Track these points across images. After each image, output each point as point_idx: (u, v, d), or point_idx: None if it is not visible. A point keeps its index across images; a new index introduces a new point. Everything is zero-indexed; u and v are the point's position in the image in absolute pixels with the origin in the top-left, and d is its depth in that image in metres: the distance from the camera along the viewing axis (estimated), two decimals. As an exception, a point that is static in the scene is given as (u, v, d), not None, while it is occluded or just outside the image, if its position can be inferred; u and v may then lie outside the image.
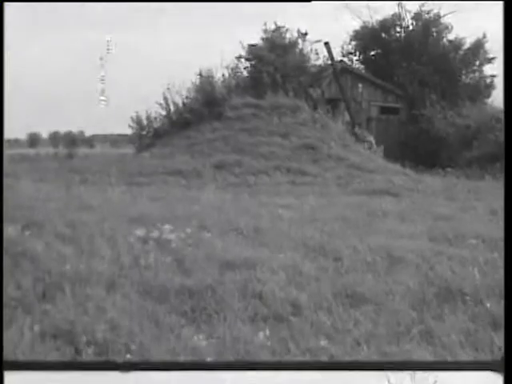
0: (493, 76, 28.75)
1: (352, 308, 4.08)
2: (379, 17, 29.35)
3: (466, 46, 28.43)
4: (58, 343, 3.45)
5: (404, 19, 29.10)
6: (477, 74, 29.20)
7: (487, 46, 28.64)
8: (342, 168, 14.97)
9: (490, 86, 29.10)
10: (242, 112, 18.77)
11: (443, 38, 28.20)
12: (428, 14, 28.65)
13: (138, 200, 9.43)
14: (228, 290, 4.29)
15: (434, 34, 27.80)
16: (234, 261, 5.16)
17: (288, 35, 24.04)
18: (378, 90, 26.75)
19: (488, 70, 29.39)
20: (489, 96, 28.94)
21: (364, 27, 29.49)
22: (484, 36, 28.46)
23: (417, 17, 28.71)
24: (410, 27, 28.68)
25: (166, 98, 20.59)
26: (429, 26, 27.82)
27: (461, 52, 27.87)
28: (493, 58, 28.19)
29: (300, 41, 23.89)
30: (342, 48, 29.97)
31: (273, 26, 24.19)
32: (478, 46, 28.57)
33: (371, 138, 21.01)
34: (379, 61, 28.55)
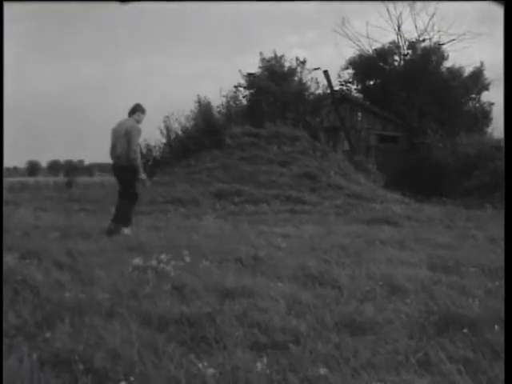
0: (492, 104, 28.96)
1: (351, 336, 4.07)
2: (378, 45, 29.65)
3: (466, 74, 28.69)
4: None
5: (402, 48, 29.38)
6: (476, 102, 29.41)
7: (486, 73, 28.90)
8: (342, 197, 15.02)
9: (489, 114, 29.29)
10: (241, 140, 18.88)
11: (442, 66, 28.44)
12: (424, 41, 28.90)
13: (137, 229, 9.43)
14: (227, 318, 4.28)
15: (433, 62, 28.04)
16: (233, 289, 5.16)
17: (287, 63, 24.27)
18: (377, 119, 26.93)
19: (486, 97, 29.63)
20: (488, 125, 29.13)
21: (362, 56, 29.76)
22: (482, 65, 28.72)
23: (415, 45, 28.99)
24: (409, 56, 28.94)
25: (166, 127, 20.73)
26: (427, 55, 28.08)
27: (460, 80, 28.08)
28: (489, 84, 28.40)
29: (299, 69, 24.10)
30: (340, 76, 30.20)
31: (271, 55, 24.43)
32: (477, 74, 28.80)
33: (372, 167, 21.07)
34: (378, 89, 28.75)
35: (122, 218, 9.43)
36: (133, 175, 9.48)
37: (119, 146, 9.46)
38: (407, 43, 29.71)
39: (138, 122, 9.81)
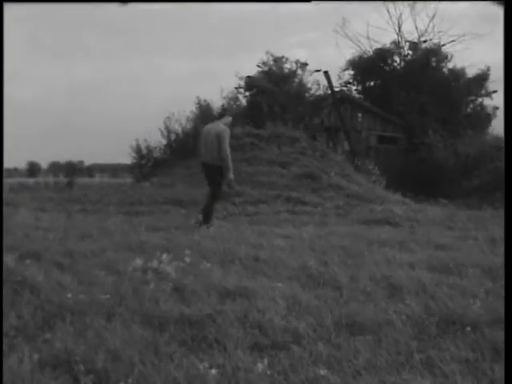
0: (496, 108, 28.92)
1: (352, 337, 4.06)
2: (378, 46, 29.66)
3: (467, 75, 28.65)
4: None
5: (403, 48, 29.39)
6: (477, 103, 29.39)
7: (488, 75, 28.87)
8: (342, 197, 15.01)
9: (490, 115, 29.27)
10: (241, 141, 18.86)
11: (443, 67, 28.42)
12: (425, 42, 28.92)
13: (137, 229, 9.44)
14: (228, 319, 4.28)
15: (434, 63, 28.04)
16: (234, 290, 5.16)
17: (287, 65, 24.25)
18: (378, 119, 26.92)
19: (488, 99, 29.60)
20: (488, 125, 29.12)
21: (363, 56, 29.76)
22: (488, 69, 28.66)
23: (415, 46, 28.99)
24: (409, 56, 28.94)
25: (166, 127, 20.72)
26: (428, 56, 28.08)
27: (461, 81, 28.06)
28: (494, 92, 28.35)
29: (300, 70, 24.09)
30: (341, 77, 30.22)
31: (271, 56, 24.40)
32: (482, 77, 28.76)
33: (372, 167, 21.07)
34: (378, 90, 28.74)
35: (203, 215, 10.46)
36: (221, 174, 10.47)
37: (210, 146, 10.47)
38: (407, 44, 29.75)
39: (226, 124, 10.78)
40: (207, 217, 10.42)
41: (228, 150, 10.36)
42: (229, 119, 11.01)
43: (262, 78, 23.77)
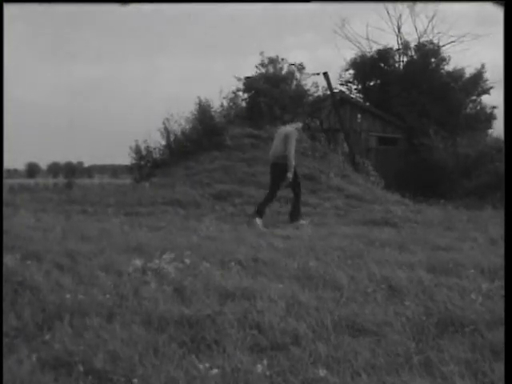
0: (494, 107, 28.93)
1: (351, 338, 4.07)
2: (378, 46, 29.67)
3: (466, 75, 28.66)
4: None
5: (402, 49, 29.40)
6: (477, 104, 29.40)
7: (486, 76, 28.89)
8: (341, 198, 15.00)
9: (490, 116, 29.28)
10: (241, 142, 18.87)
11: (443, 68, 28.43)
12: (424, 43, 28.94)
13: (136, 230, 9.44)
14: (227, 320, 4.29)
15: (434, 64, 28.04)
16: (233, 291, 5.16)
17: (285, 67, 24.22)
18: (377, 120, 26.91)
19: (488, 99, 29.63)
20: (489, 126, 29.13)
21: (362, 57, 29.76)
22: (483, 67, 28.71)
23: (415, 47, 29.00)
24: (409, 57, 28.96)
25: (166, 128, 20.68)
26: (427, 56, 28.08)
27: (460, 82, 28.07)
28: (491, 88, 28.39)
29: (298, 74, 24.05)
30: (342, 77, 30.23)
31: (270, 57, 24.37)
32: (478, 76, 28.78)
33: (371, 168, 21.07)
34: (378, 91, 28.74)
35: (259, 207, 11.48)
36: (283, 173, 11.40)
37: (278, 147, 11.64)
38: (407, 44, 29.76)
39: (296, 128, 12.02)
40: (260, 212, 11.36)
41: (293, 151, 11.44)
42: (299, 124, 12.36)
43: (260, 79, 23.74)
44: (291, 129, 11.82)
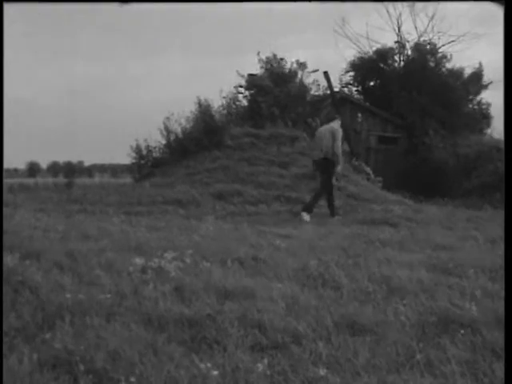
0: (488, 104, 28.96)
1: (351, 337, 4.07)
2: (378, 46, 29.64)
3: (466, 75, 28.65)
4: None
5: (402, 48, 29.36)
6: (476, 102, 29.37)
7: (485, 74, 28.87)
8: (341, 198, 15.00)
9: (490, 116, 29.25)
10: (241, 141, 18.86)
11: (443, 67, 28.39)
12: (425, 42, 28.91)
13: (136, 229, 9.44)
14: (227, 319, 4.29)
15: (433, 63, 28.00)
16: (234, 290, 5.16)
17: (287, 65, 24.20)
18: (378, 120, 26.85)
19: (486, 98, 29.61)
20: (488, 125, 29.11)
21: (363, 57, 29.73)
22: (481, 65, 28.69)
23: (416, 47, 28.96)
24: (409, 57, 28.92)
25: (165, 127, 20.64)
26: (428, 56, 28.04)
27: (460, 81, 28.04)
28: (490, 83, 28.39)
29: (299, 71, 24.02)
30: (341, 78, 30.20)
31: (271, 56, 24.34)
32: (476, 75, 28.77)
33: (371, 168, 21.05)
34: (378, 90, 28.70)
35: (309, 203, 12.47)
36: (331, 167, 12.38)
37: (324, 144, 12.52)
38: (407, 44, 29.75)
39: (338, 125, 12.84)
40: (310, 207, 12.33)
41: (340, 146, 12.47)
42: (339, 122, 13.07)
43: (263, 77, 23.71)
44: (336, 126, 12.72)
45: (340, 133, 12.65)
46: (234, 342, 3.91)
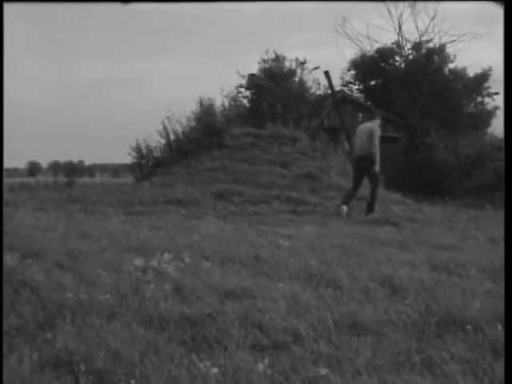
0: (496, 108, 28.88)
1: (352, 337, 4.07)
2: (379, 45, 29.62)
3: (468, 75, 28.59)
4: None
5: (404, 48, 29.35)
6: (478, 102, 29.31)
7: (489, 75, 28.83)
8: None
9: (491, 115, 29.21)
10: (241, 141, 18.87)
11: (445, 67, 28.36)
12: (426, 42, 28.88)
13: (137, 229, 9.43)
14: (228, 319, 4.28)
15: (435, 62, 27.97)
16: (234, 290, 5.16)
17: (287, 64, 24.19)
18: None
19: (488, 99, 29.54)
20: (489, 125, 29.08)
21: (364, 56, 29.71)
22: (490, 69, 28.60)
23: (417, 46, 28.94)
24: (410, 56, 28.90)
25: (165, 127, 20.65)
26: (429, 55, 28.02)
27: (462, 81, 28.00)
28: (496, 93, 28.33)
29: (299, 70, 24.01)
30: (342, 78, 30.18)
31: (271, 56, 24.33)
32: (480, 74, 28.71)
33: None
34: (379, 90, 28.67)
35: (369, 203, 12.95)
36: (371, 164, 12.77)
37: (362, 142, 12.93)
38: (408, 43, 29.74)
39: (377, 124, 13.21)
40: (371, 206, 12.85)
41: (378, 145, 12.82)
42: (378, 121, 13.38)
43: (263, 77, 23.71)
44: (374, 125, 13.09)
45: (378, 132, 12.98)
46: (234, 341, 3.91)
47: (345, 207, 12.69)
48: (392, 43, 29.63)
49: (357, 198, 14.16)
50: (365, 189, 15.33)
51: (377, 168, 12.84)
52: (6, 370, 3.35)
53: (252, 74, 24.10)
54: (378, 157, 12.80)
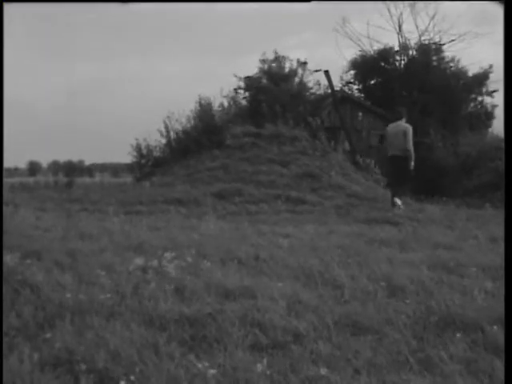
0: (495, 106, 28.87)
1: (352, 336, 4.06)
2: (379, 45, 29.63)
3: (468, 74, 28.59)
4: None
5: (403, 47, 29.35)
6: (478, 102, 29.31)
7: (489, 74, 28.83)
8: (342, 197, 15.00)
9: (491, 115, 29.22)
10: (241, 141, 18.87)
11: (445, 66, 28.36)
12: (426, 41, 28.90)
13: (137, 228, 9.43)
14: (228, 318, 4.28)
15: (435, 63, 27.98)
16: (234, 289, 5.15)
17: (288, 64, 24.19)
18: (378, 119, 26.82)
19: (489, 98, 29.54)
20: (489, 125, 29.09)
21: (364, 56, 29.73)
22: (490, 67, 28.60)
23: (417, 46, 28.95)
24: (410, 56, 28.91)
25: (166, 127, 20.66)
26: (429, 55, 28.03)
27: (463, 81, 28.01)
28: (495, 91, 28.32)
29: (300, 70, 24.02)
30: (342, 77, 30.20)
31: (271, 56, 24.34)
32: (481, 73, 28.71)
33: (372, 167, 21.02)
34: (379, 89, 28.67)
35: (398, 191, 13.62)
36: (406, 162, 13.36)
37: (397, 141, 13.57)
38: (408, 43, 29.75)
39: (408, 123, 13.83)
40: (401, 193, 13.64)
41: (411, 143, 13.40)
42: (404, 119, 13.92)
43: (261, 78, 23.72)
44: (406, 125, 13.71)
45: (411, 130, 13.55)
46: (234, 341, 3.91)
47: (398, 200, 13.26)
48: (391, 42, 29.67)
49: (358, 198, 14.18)
50: (365, 189, 15.37)
51: (412, 164, 13.38)
52: (6, 370, 3.35)
53: (247, 77, 24.11)
54: (412, 154, 13.36)
